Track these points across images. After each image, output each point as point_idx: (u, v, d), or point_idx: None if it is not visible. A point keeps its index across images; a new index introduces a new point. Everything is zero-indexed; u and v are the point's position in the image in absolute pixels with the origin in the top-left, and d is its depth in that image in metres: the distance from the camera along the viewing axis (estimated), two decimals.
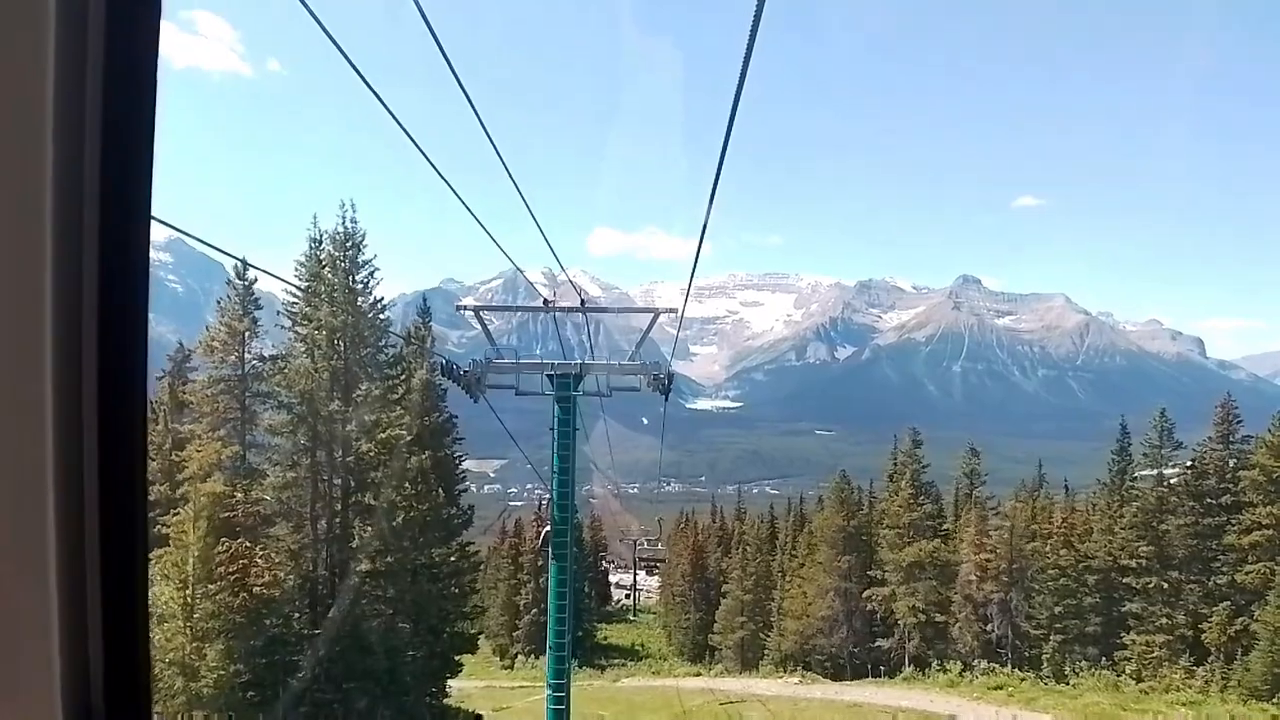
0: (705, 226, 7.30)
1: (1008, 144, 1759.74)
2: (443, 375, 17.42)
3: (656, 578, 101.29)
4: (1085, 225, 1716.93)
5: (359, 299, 23.31)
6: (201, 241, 7.14)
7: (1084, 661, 40.47)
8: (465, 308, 16.59)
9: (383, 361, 24.40)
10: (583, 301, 16.32)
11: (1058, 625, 42.72)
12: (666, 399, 17.59)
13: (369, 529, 22.07)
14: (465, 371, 16.19)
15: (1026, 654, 43.89)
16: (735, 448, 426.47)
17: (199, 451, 19.52)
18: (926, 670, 44.60)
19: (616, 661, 71.84)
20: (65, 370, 1.37)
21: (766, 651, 57.45)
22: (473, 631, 28.39)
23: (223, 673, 17.18)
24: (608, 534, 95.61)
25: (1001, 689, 39.44)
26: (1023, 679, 40.77)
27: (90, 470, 1.43)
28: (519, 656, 64.60)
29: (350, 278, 23.27)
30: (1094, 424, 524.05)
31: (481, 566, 49.97)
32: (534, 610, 65.36)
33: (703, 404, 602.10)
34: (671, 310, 16.46)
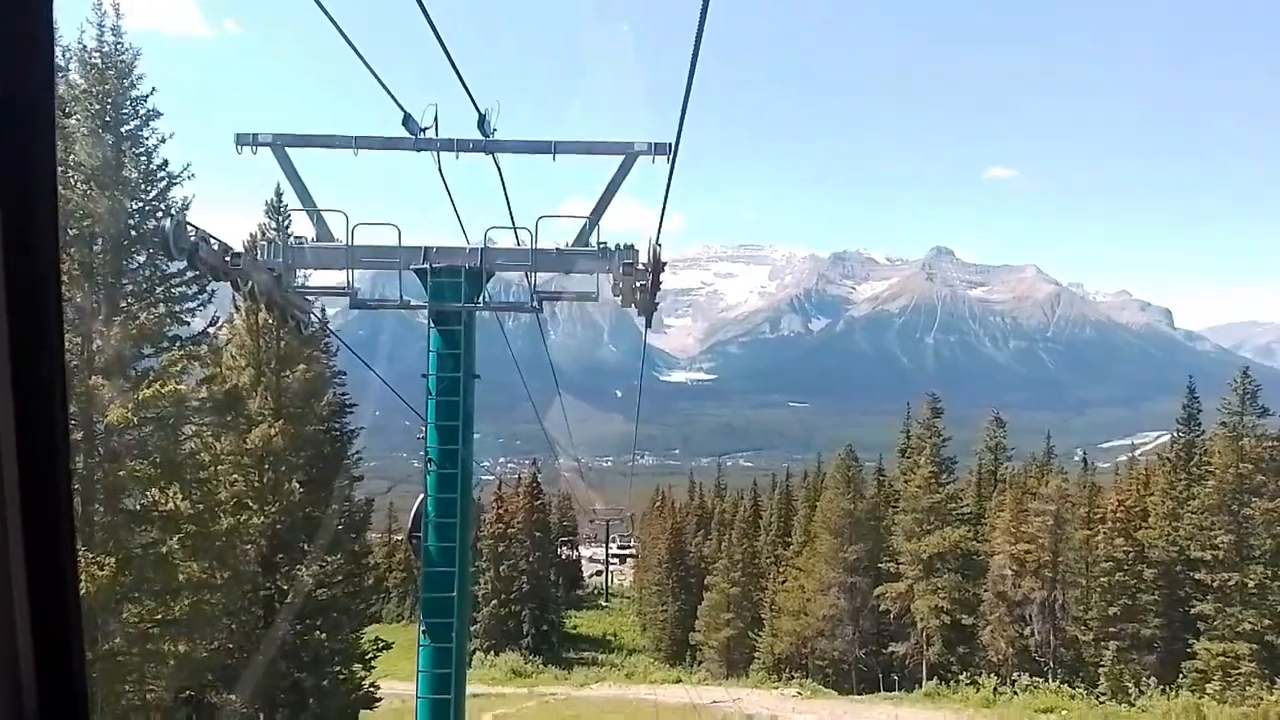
0: (669, 185, 7.20)
1: (980, 115, 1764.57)
2: (171, 256, 9.11)
3: (630, 561, 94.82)
4: (1056, 196, 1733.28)
5: (125, 163, 13.76)
6: None
7: (1150, 676, 33.33)
8: (255, 140, 8.19)
9: (171, 273, 14.73)
10: (482, 122, 8.00)
11: (1112, 630, 35.60)
12: (649, 324, 9.52)
13: (162, 547, 13.72)
14: (234, 257, 7.83)
15: (1072, 664, 36.77)
16: (709, 420, 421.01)
17: None
18: (952, 683, 37.36)
19: (586, 654, 65.53)
20: None
21: (757, 654, 50.02)
22: (369, 683, 20.24)
23: None
24: (577, 515, 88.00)
25: (1051, 711, 32.20)
26: (1072, 696, 33.61)
27: (9, 469, 1.35)
28: (476, 654, 57.89)
29: (109, 127, 13.50)
30: (1064, 394, 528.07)
31: (385, 580, 42.01)
32: (493, 602, 62.62)
33: (677, 376, 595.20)
34: (662, 150, 8.18)
